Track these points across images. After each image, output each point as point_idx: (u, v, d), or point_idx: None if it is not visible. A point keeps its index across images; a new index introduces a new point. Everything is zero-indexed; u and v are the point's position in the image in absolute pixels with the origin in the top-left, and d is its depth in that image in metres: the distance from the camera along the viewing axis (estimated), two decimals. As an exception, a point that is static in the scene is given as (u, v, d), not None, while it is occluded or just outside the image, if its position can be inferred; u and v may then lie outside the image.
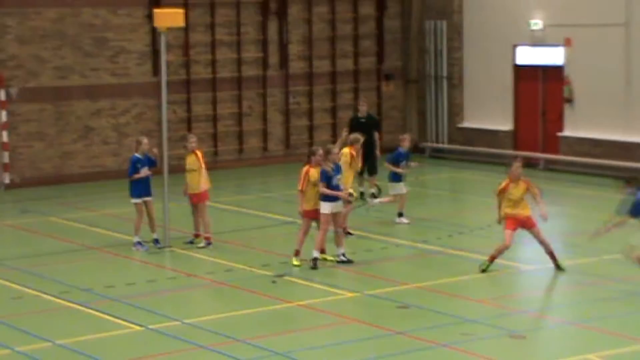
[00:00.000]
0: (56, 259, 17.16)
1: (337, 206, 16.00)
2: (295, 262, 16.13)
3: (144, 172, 17.37)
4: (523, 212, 15.41)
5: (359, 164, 18.27)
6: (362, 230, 18.49)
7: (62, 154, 24.24)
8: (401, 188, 19.19)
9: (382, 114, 27.28)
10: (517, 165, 15.47)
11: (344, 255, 16.24)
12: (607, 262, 16.06)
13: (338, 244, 16.24)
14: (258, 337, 12.85)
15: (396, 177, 19.16)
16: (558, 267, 15.62)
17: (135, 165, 17.39)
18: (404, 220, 19.10)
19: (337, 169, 16.12)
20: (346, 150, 18.01)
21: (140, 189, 17.38)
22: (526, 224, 15.53)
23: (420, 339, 12.68)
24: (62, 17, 24.05)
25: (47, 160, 24.11)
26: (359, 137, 18.45)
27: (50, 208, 21.37)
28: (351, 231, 17.98)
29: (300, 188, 16.19)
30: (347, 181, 17.66)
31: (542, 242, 15.69)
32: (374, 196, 21.21)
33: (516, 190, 15.40)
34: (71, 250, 17.75)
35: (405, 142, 19.41)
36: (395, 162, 19.14)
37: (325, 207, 15.92)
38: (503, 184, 15.54)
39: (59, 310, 14.28)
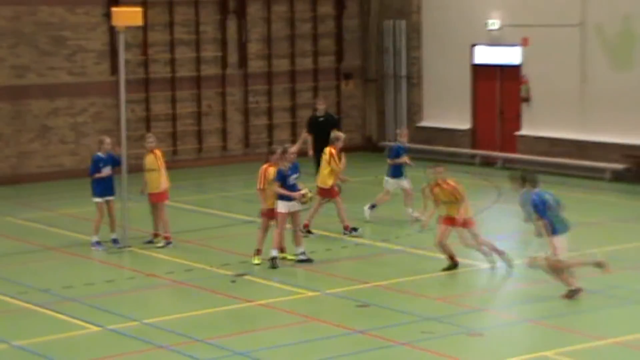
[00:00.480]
0: (14, 260, 17.02)
1: (294, 205, 16.01)
2: (256, 261, 16.14)
3: (105, 171, 17.29)
4: (456, 213, 15.40)
5: (338, 163, 18.05)
6: (321, 229, 18.52)
7: (19, 153, 24.03)
8: (393, 184, 19.06)
9: (341, 113, 27.34)
10: (429, 172, 15.65)
11: (303, 254, 16.26)
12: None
13: (297, 243, 16.26)
14: (218, 337, 12.84)
15: (396, 173, 19.04)
16: (508, 264, 15.66)
17: (97, 164, 17.33)
18: (368, 212, 18.95)
19: (294, 169, 16.11)
20: (327, 148, 18.08)
21: (103, 188, 17.31)
22: (460, 225, 15.54)
23: (380, 337, 12.74)
24: (18, 16, 23.84)
25: (3, 159, 23.89)
26: (340, 135, 18.42)
27: (7, 208, 21.18)
28: (312, 230, 18.01)
29: (259, 187, 16.21)
30: (325, 180, 17.70)
31: (481, 244, 15.72)
32: None
33: (441, 194, 15.51)
34: (29, 250, 17.61)
35: (403, 137, 19.43)
36: (397, 157, 19.05)
37: (281, 206, 15.93)
38: (430, 187, 15.78)
39: (17, 312, 14.16)
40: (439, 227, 15.64)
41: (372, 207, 19.10)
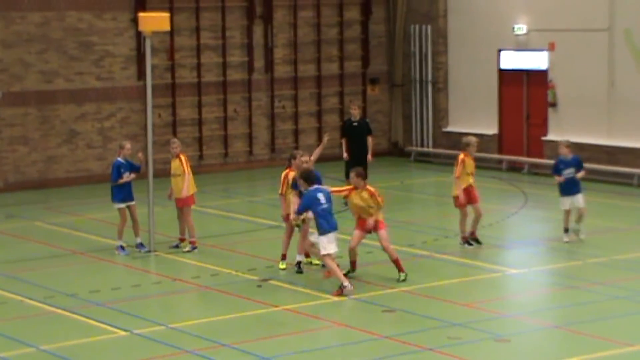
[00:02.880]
0: (41, 264, 17.10)
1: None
2: (282, 266, 16.14)
3: (127, 176, 17.31)
4: (369, 216, 15.23)
5: (461, 170, 16.96)
6: (347, 234, 18.48)
7: (47, 158, 24.16)
8: (565, 202, 17.26)
9: (367, 117, 27.29)
10: (352, 175, 15.30)
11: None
12: (591, 266, 16.11)
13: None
14: (243, 342, 12.84)
15: (566, 189, 17.27)
16: (399, 278, 15.29)
17: (118, 170, 17.36)
18: (575, 236, 17.28)
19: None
20: (460, 156, 17.19)
21: (124, 193, 17.34)
22: (374, 228, 15.28)
23: (407, 343, 12.70)
24: (47, 21, 23.99)
25: (31, 164, 24.03)
26: (472, 140, 17.38)
27: (35, 213, 21.30)
28: (478, 239, 17.13)
29: (280, 192, 16.20)
30: (453, 188, 17.03)
31: (385, 249, 15.36)
32: None
33: (358, 199, 15.19)
34: (56, 255, 17.69)
35: (564, 149, 17.47)
36: (556, 172, 17.39)
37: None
38: (345, 192, 15.44)
39: (44, 316, 14.23)
40: (356, 232, 15.37)
41: (566, 230, 17.37)
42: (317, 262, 16.32)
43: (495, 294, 15.30)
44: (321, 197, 14.80)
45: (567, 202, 17.33)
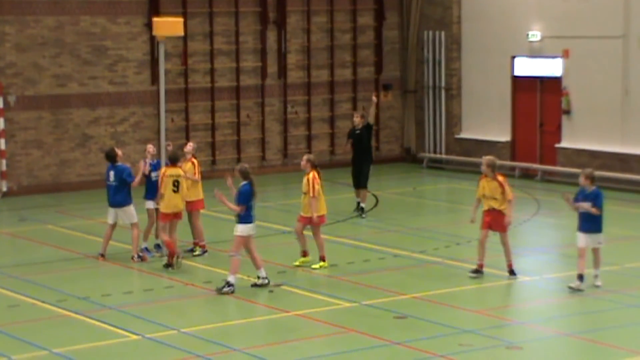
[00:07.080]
0: (53, 267, 17.15)
1: (252, 228, 15.47)
2: (315, 266, 16.52)
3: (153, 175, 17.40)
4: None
5: (482, 192, 15.60)
6: (359, 240, 18.47)
7: (60, 161, 24.23)
8: (579, 239, 15.10)
9: (380, 124, 27.31)
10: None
11: (265, 278, 15.55)
12: (604, 274, 16.04)
13: (257, 266, 15.59)
14: (255, 347, 12.84)
15: (584, 224, 15.22)
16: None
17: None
18: (580, 283, 15.11)
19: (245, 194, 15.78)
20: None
21: (154, 194, 17.34)
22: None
23: (418, 349, 12.68)
24: (61, 25, 24.06)
25: (44, 168, 24.09)
26: (485, 159, 15.73)
27: (48, 216, 21.35)
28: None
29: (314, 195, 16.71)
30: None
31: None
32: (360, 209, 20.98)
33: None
34: (68, 258, 17.73)
35: (581, 179, 15.25)
36: (576, 201, 15.22)
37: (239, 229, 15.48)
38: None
39: (56, 319, 14.26)
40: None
41: (580, 277, 15.17)
42: (315, 266, 16.42)
43: (507, 301, 15.27)
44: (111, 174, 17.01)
45: (581, 239, 15.21)
